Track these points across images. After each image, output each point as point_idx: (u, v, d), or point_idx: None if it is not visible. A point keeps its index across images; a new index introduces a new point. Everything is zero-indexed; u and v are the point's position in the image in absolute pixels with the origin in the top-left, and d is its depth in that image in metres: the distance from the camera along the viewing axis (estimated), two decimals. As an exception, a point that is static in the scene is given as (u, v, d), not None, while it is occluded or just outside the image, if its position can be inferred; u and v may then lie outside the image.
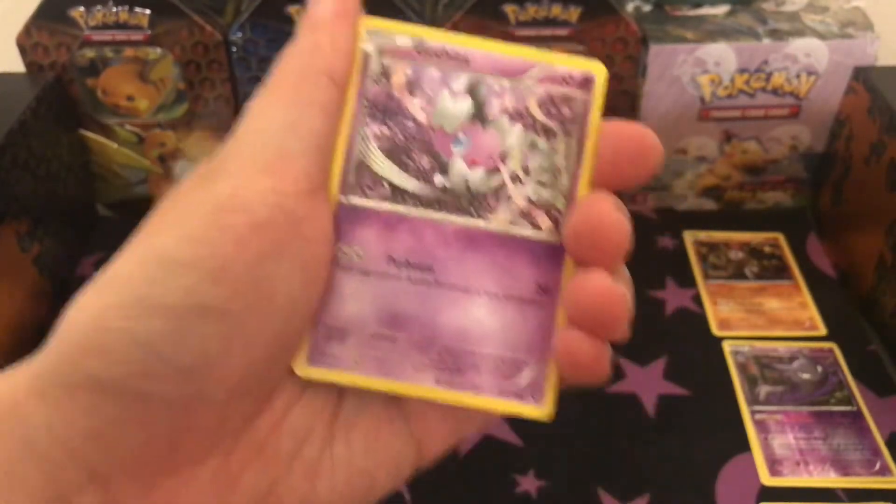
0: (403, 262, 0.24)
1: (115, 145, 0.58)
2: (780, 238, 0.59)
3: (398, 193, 0.24)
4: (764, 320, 0.53)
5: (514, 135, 0.24)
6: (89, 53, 0.54)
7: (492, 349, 0.24)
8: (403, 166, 0.24)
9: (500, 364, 0.24)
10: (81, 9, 0.53)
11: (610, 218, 0.22)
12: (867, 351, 0.51)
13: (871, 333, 0.52)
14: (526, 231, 0.24)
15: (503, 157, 0.24)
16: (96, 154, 0.59)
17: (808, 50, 0.54)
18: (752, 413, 0.47)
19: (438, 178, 0.24)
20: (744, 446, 0.45)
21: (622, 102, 0.55)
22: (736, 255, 0.58)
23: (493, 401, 0.24)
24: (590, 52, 0.53)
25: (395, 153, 0.24)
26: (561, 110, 0.24)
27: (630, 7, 0.57)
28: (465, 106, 0.24)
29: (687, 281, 0.55)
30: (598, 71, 0.24)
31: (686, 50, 0.54)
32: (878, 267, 0.52)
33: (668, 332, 0.52)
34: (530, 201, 0.24)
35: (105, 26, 0.53)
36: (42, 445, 0.20)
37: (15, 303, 0.48)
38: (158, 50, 0.54)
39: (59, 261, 0.54)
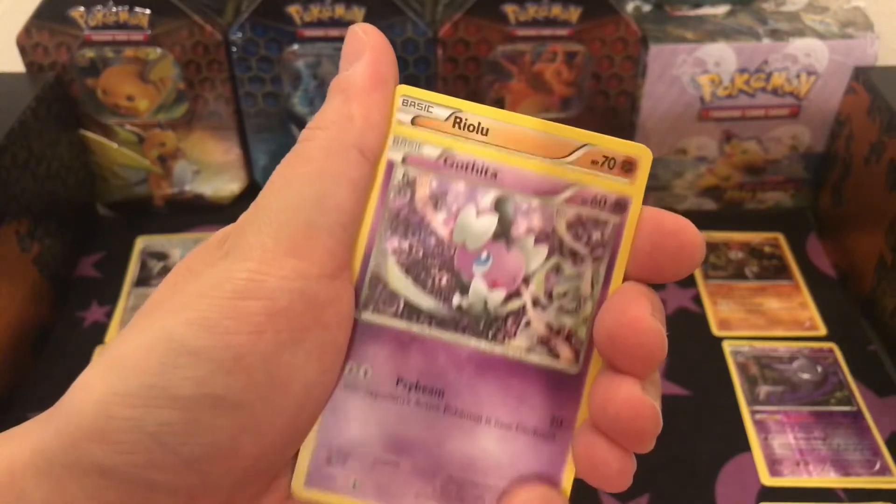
0: (413, 385, 0.23)
1: (115, 145, 0.58)
2: (780, 238, 0.59)
3: (413, 312, 0.23)
4: (764, 320, 0.53)
5: (539, 257, 0.23)
6: (89, 53, 0.54)
7: (499, 481, 0.23)
8: (421, 283, 0.23)
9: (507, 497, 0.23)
10: (81, 9, 0.53)
11: (646, 326, 0.21)
12: (867, 351, 0.51)
13: (871, 333, 0.52)
14: (544, 359, 0.23)
15: (526, 280, 0.23)
16: (96, 154, 0.59)
17: (808, 50, 0.54)
18: (752, 413, 0.47)
19: (456, 298, 0.23)
20: (744, 446, 0.45)
21: (622, 102, 0.55)
22: (736, 255, 0.58)
23: None
24: (590, 52, 0.54)
25: (414, 269, 0.23)
26: (591, 234, 0.22)
27: (630, 7, 0.57)
28: (490, 224, 0.23)
29: (687, 281, 0.55)
30: (633, 193, 0.22)
31: (686, 50, 0.54)
32: (878, 267, 0.52)
33: (668, 332, 0.52)
34: (551, 328, 0.23)
35: (105, 26, 0.53)
36: None
37: (15, 303, 0.49)
38: (158, 50, 0.54)
39: (59, 261, 0.54)
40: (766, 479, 0.44)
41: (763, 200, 0.62)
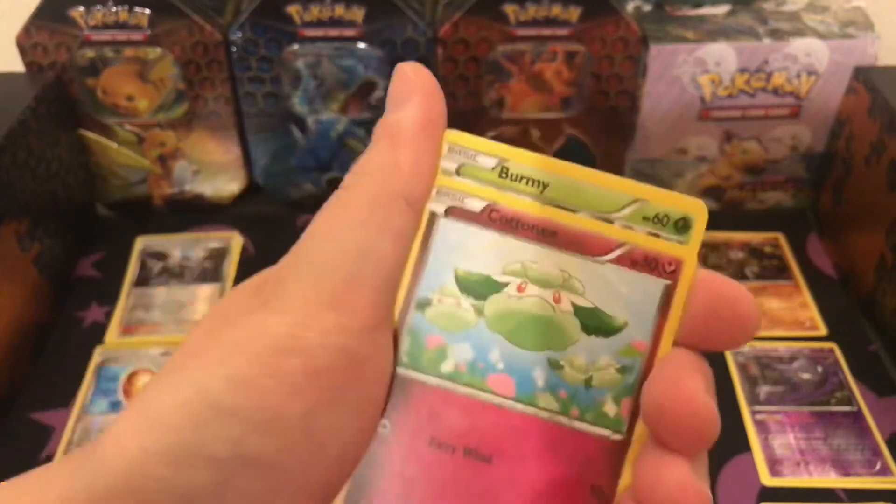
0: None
1: (115, 145, 0.58)
2: (781, 238, 0.59)
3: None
4: (764, 320, 0.53)
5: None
6: (89, 53, 0.54)
7: None
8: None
9: None
10: (81, 9, 0.53)
11: (700, 405, 0.19)
12: (867, 351, 0.51)
13: (872, 333, 0.52)
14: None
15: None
16: (96, 154, 0.59)
17: (809, 50, 0.54)
18: (753, 413, 0.47)
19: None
20: (744, 446, 0.45)
21: (622, 102, 0.55)
22: (736, 255, 0.57)
23: None
24: (590, 52, 0.53)
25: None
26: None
27: (630, 7, 0.57)
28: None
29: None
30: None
31: (686, 50, 0.53)
32: (878, 267, 0.52)
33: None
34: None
35: (105, 26, 0.53)
36: None
37: (15, 303, 0.48)
38: (158, 50, 0.54)
39: (59, 261, 0.54)
40: (767, 480, 0.44)
41: (763, 200, 0.62)
